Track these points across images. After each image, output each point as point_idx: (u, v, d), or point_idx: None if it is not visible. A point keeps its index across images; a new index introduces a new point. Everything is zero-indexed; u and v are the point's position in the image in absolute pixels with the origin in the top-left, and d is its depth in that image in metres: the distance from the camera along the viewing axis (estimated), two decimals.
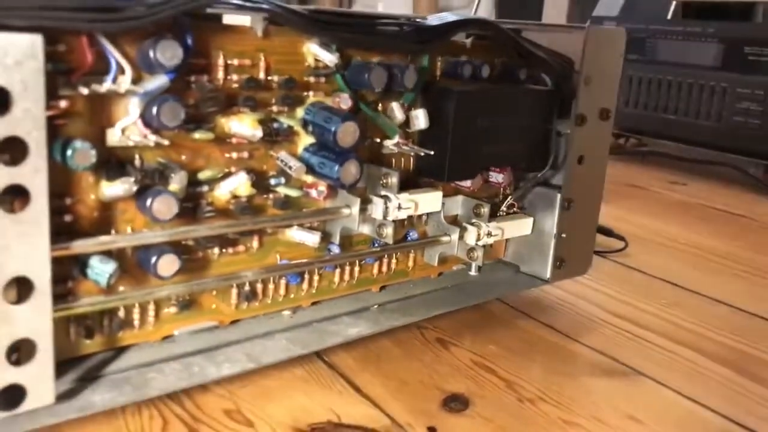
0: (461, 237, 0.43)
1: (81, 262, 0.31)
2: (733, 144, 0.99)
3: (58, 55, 0.28)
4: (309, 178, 0.37)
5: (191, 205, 0.33)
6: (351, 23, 0.36)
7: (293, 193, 0.37)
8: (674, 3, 1.31)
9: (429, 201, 0.41)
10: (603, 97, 0.46)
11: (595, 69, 0.45)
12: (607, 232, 0.64)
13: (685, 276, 0.59)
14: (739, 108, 0.97)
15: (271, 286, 0.38)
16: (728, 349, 0.46)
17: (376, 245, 0.42)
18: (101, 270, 0.30)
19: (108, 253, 0.31)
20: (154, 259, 0.31)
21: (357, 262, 0.42)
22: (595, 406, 0.38)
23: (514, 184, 0.47)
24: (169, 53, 0.29)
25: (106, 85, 0.29)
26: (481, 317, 0.47)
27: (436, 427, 0.34)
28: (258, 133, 0.34)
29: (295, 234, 0.38)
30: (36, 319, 0.27)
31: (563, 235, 0.46)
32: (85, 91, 0.29)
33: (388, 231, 0.39)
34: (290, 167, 0.36)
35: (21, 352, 0.27)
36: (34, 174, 0.26)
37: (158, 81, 0.30)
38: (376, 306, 0.42)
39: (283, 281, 0.39)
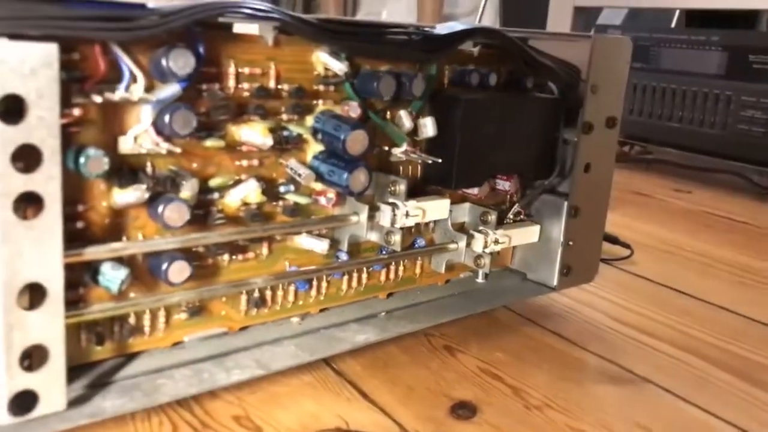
0: (468, 244, 0.43)
1: (92, 268, 0.31)
2: (738, 152, 0.99)
3: (73, 64, 0.29)
4: (318, 186, 0.37)
5: (202, 213, 0.34)
6: (360, 32, 0.36)
7: (302, 200, 0.37)
8: (678, 11, 1.31)
9: (436, 208, 0.41)
10: (609, 105, 0.46)
11: (602, 77, 0.45)
12: (613, 239, 0.64)
13: (691, 283, 0.59)
14: (744, 116, 0.97)
15: (279, 292, 0.38)
16: (734, 357, 0.46)
17: (384, 252, 0.42)
18: (113, 276, 0.31)
19: (119, 260, 0.31)
20: (165, 265, 0.32)
21: (365, 269, 0.42)
22: (602, 413, 0.38)
23: (520, 191, 0.47)
24: (181, 62, 0.30)
25: (119, 94, 0.29)
26: (488, 324, 0.47)
27: None
28: (268, 141, 0.34)
29: (304, 241, 0.38)
30: (48, 325, 0.28)
31: (570, 243, 0.47)
32: (98, 99, 0.29)
33: (396, 238, 0.39)
34: (300, 175, 0.36)
35: (33, 358, 0.28)
36: (47, 181, 0.27)
37: (170, 89, 0.30)
38: (383, 313, 0.42)
39: (291, 288, 0.39)
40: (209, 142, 0.33)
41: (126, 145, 0.31)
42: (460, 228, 0.44)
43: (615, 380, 0.42)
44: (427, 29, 0.39)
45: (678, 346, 0.47)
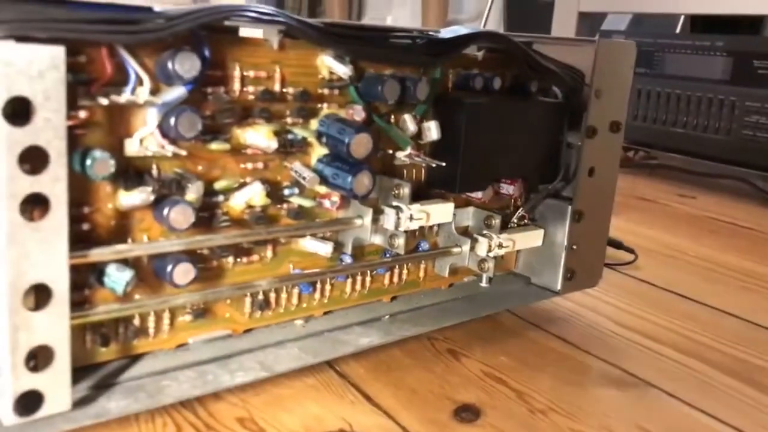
0: (472, 248, 0.43)
1: (98, 270, 0.31)
2: (742, 157, 0.99)
3: (79, 67, 0.29)
4: (322, 189, 0.37)
5: (207, 215, 0.34)
6: (365, 36, 0.36)
7: (307, 203, 0.37)
8: (682, 17, 1.31)
9: (440, 212, 0.41)
10: (613, 109, 0.46)
11: (606, 82, 0.45)
12: (617, 244, 0.64)
13: (695, 288, 0.59)
14: (748, 122, 0.97)
15: (284, 295, 0.39)
16: (737, 361, 0.46)
17: (388, 256, 0.42)
18: (118, 278, 0.31)
19: (125, 262, 0.31)
20: (170, 267, 0.32)
21: (369, 272, 0.42)
22: (606, 417, 0.38)
23: (524, 195, 0.48)
24: (187, 65, 0.30)
25: (125, 96, 0.30)
26: (491, 328, 0.47)
27: None
28: (273, 144, 0.34)
29: (308, 244, 0.38)
30: (54, 326, 0.28)
31: (574, 247, 0.47)
32: (104, 101, 0.29)
33: (400, 241, 0.39)
34: (304, 178, 0.36)
35: (39, 358, 0.28)
36: (54, 183, 0.27)
37: (176, 92, 0.31)
38: (387, 316, 0.42)
39: (295, 291, 0.39)
40: (214, 145, 0.33)
41: (132, 147, 0.31)
42: (464, 232, 0.44)
43: (619, 384, 0.42)
44: (431, 33, 0.39)
45: (682, 351, 0.46)
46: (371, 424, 0.35)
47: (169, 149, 0.31)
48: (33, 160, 0.26)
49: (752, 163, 0.98)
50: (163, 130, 0.31)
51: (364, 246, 0.41)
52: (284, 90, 0.35)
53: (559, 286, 0.47)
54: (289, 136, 0.36)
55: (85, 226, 0.31)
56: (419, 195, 0.41)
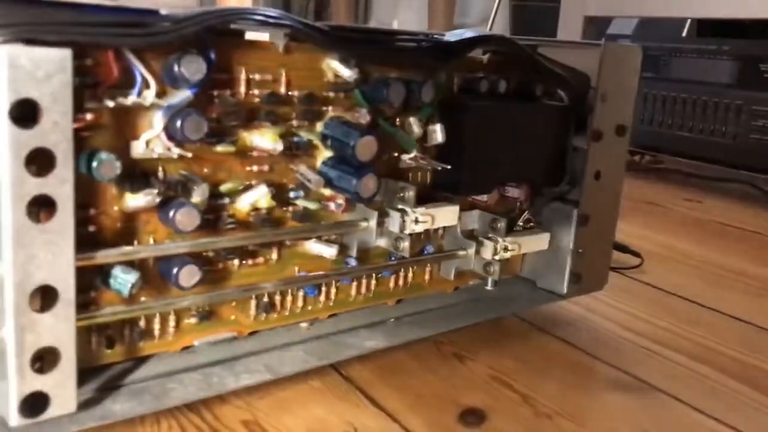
0: (478, 251, 0.43)
1: (104, 272, 0.31)
2: (749, 161, 0.98)
3: (86, 69, 0.29)
4: (327, 192, 0.37)
5: (212, 217, 0.34)
6: (371, 39, 0.36)
7: (312, 205, 0.37)
8: (689, 21, 1.31)
9: (445, 215, 0.41)
10: (619, 113, 0.46)
11: (612, 85, 0.45)
12: (623, 248, 0.64)
13: (701, 292, 0.59)
14: (755, 125, 0.96)
15: (289, 298, 0.39)
16: (745, 366, 0.46)
17: (393, 259, 0.42)
18: (124, 280, 0.31)
19: (130, 264, 0.31)
20: (175, 269, 0.32)
21: (374, 275, 0.42)
22: (612, 422, 0.38)
23: (530, 198, 0.47)
24: (193, 68, 0.30)
25: (132, 99, 0.30)
26: (497, 332, 0.47)
27: None
28: (278, 146, 0.34)
29: (314, 246, 0.38)
30: (60, 328, 0.28)
31: (580, 251, 0.47)
32: (110, 104, 0.29)
33: (405, 245, 0.39)
34: (309, 180, 0.36)
35: (45, 360, 0.28)
36: (60, 185, 0.27)
37: (182, 95, 0.31)
38: (392, 319, 0.42)
39: (301, 293, 0.39)
40: (220, 148, 0.33)
41: (138, 149, 0.31)
42: (470, 235, 0.44)
43: (624, 388, 0.41)
44: (437, 36, 0.39)
45: (688, 355, 0.46)
46: (376, 427, 0.35)
47: (175, 151, 0.31)
48: (40, 162, 0.26)
49: (759, 167, 0.98)
50: (169, 132, 0.31)
51: (370, 249, 0.41)
52: (290, 93, 0.36)
53: (564, 290, 0.47)
54: (295, 139, 0.36)
55: (92, 228, 0.31)
56: (424, 198, 0.41)
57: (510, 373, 0.41)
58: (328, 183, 0.37)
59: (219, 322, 0.36)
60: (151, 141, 0.31)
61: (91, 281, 0.31)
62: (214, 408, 0.35)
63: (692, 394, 0.41)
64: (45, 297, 0.27)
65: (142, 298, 0.33)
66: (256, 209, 0.35)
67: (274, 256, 0.37)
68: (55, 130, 0.26)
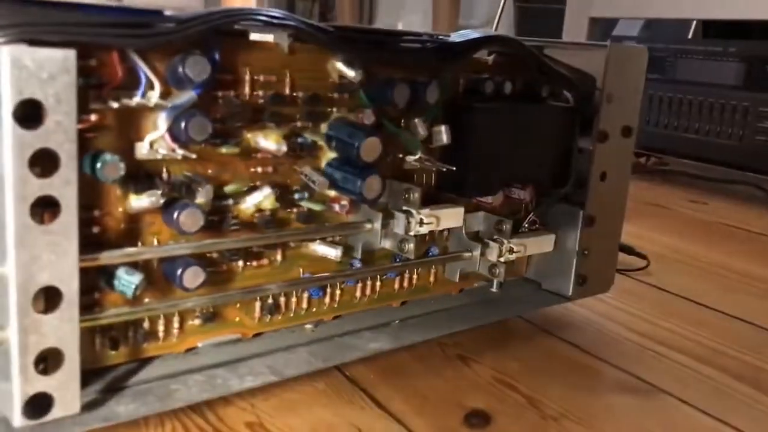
0: (483, 253, 0.43)
1: (107, 273, 0.31)
2: (755, 163, 0.98)
3: (90, 70, 0.29)
4: (332, 193, 0.37)
5: (217, 218, 0.34)
6: (375, 40, 0.36)
7: (316, 207, 0.37)
8: (694, 22, 1.31)
9: (450, 216, 0.41)
10: (625, 114, 0.46)
11: (618, 86, 0.45)
12: (629, 250, 0.64)
13: (707, 294, 0.58)
14: (761, 127, 0.96)
15: (293, 299, 0.38)
16: (751, 368, 0.45)
17: (398, 260, 0.42)
18: (128, 281, 0.31)
19: (134, 265, 0.31)
20: (179, 271, 0.32)
21: (378, 276, 0.42)
22: (618, 424, 0.37)
23: (536, 200, 0.47)
24: (197, 69, 0.30)
25: (136, 100, 0.30)
26: (502, 334, 0.47)
27: None
28: (283, 147, 0.34)
29: (318, 248, 0.38)
30: (64, 329, 0.28)
31: (585, 253, 0.46)
32: (115, 105, 0.29)
33: (410, 246, 0.39)
34: (314, 182, 0.36)
35: (48, 361, 0.28)
36: (64, 186, 0.27)
37: (186, 96, 0.31)
38: (397, 321, 0.42)
39: (305, 295, 0.39)
40: (224, 149, 0.33)
41: (142, 150, 0.31)
42: (475, 237, 0.44)
43: (631, 391, 0.41)
44: (442, 37, 0.39)
45: (695, 357, 0.46)
46: (381, 429, 0.35)
47: (179, 152, 0.31)
48: (43, 162, 0.26)
49: (765, 168, 0.97)
50: (174, 133, 0.31)
51: (374, 250, 0.41)
52: (294, 94, 0.35)
53: (570, 292, 0.47)
54: (299, 140, 0.36)
55: (95, 229, 0.31)
56: (429, 199, 0.41)
57: (515, 375, 0.41)
58: (333, 184, 0.36)
59: (223, 324, 0.36)
60: (155, 142, 0.31)
61: (94, 282, 0.31)
62: (218, 410, 0.35)
63: (698, 396, 0.41)
64: (49, 298, 0.27)
65: (146, 300, 0.33)
66: (260, 210, 0.35)
67: (279, 257, 0.37)
68: (59, 131, 0.26)
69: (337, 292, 0.40)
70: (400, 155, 0.40)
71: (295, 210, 0.37)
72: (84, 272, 0.28)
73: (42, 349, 0.27)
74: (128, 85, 0.30)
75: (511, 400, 0.39)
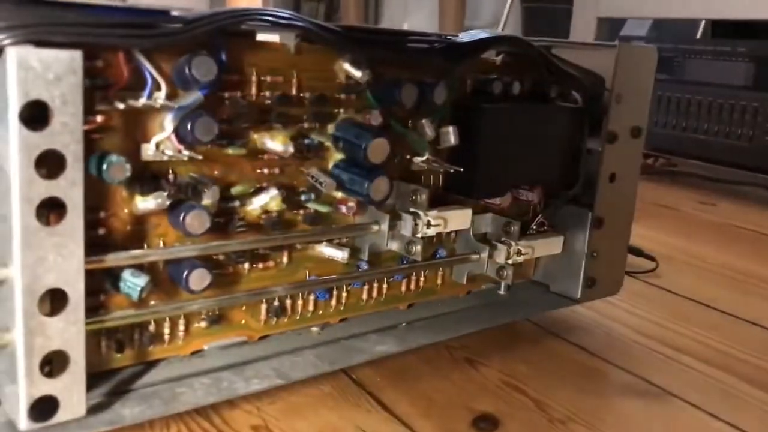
0: (490, 255, 0.43)
1: (113, 275, 0.31)
2: (764, 164, 0.97)
3: (96, 71, 0.29)
4: (339, 194, 0.37)
5: (223, 220, 0.34)
6: (382, 40, 0.36)
7: (323, 208, 0.37)
8: (703, 22, 1.30)
9: (458, 218, 0.40)
10: (634, 114, 0.46)
11: (627, 87, 0.44)
12: (638, 252, 0.63)
13: (717, 297, 0.58)
14: None
15: (299, 301, 0.38)
16: (762, 371, 0.45)
17: (405, 262, 0.41)
18: (133, 283, 0.30)
19: (140, 267, 0.31)
20: (185, 273, 0.31)
21: (385, 279, 0.42)
22: (626, 428, 0.37)
23: (544, 201, 0.47)
24: (203, 69, 0.30)
25: (142, 101, 0.30)
26: (510, 336, 0.46)
27: None
28: (289, 149, 0.34)
29: (325, 250, 0.38)
30: (69, 332, 0.28)
31: (594, 255, 0.46)
32: (121, 106, 0.29)
33: (417, 248, 0.39)
34: (321, 183, 0.36)
35: (54, 364, 0.28)
36: (70, 187, 0.27)
37: (193, 97, 0.30)
38: (404, 324, 0.42)
39: (311, 297, 0.39)
40: (231, 150, 0.33)
41: (148, 151, 0.31)
42: (483, 238, 0.44)
43: (640, 394, 0.41)
44: (450, 37, 0.39)
45: (704, 361, 0.46)
46: None
47: (186, 154, 0.31)
48: (49, 164, 0.26)
49: None
50: (180, 134, 0.30)
51: (381, 252, 0.40)
52: (301, 94, 0.35)
53: (578, 294, 0.47)
54: (306, 141, 0.35)
55: (101, 231, 0.30)
56: (437, 201, 0.41)
57: (523, 378, 0.41)
58: (340, 185, 0.36)
59: (229, 326, 0.36)
60: (161, 143, 0.31)
61: (100, 284, 0.31)
62: (224, 413, 0.35)
63: (707, 399, 0.40)
64: (54, 300, 0.27)
65: (152, 302, 0.32)
66: (266, 212, 0.35)
67: (285, 259, 0.37)
68: (65, 132, 0.26)
69: (344, 294, 0.40)
70: (408, 156, 0.40)
71: (301, 211, 0.37)
72: (90, 274, 0.28)
73: (47, 351, 0.27)
74: (134, 86, 0.30)
75: (519, 403, 0.38)
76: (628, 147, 0.46)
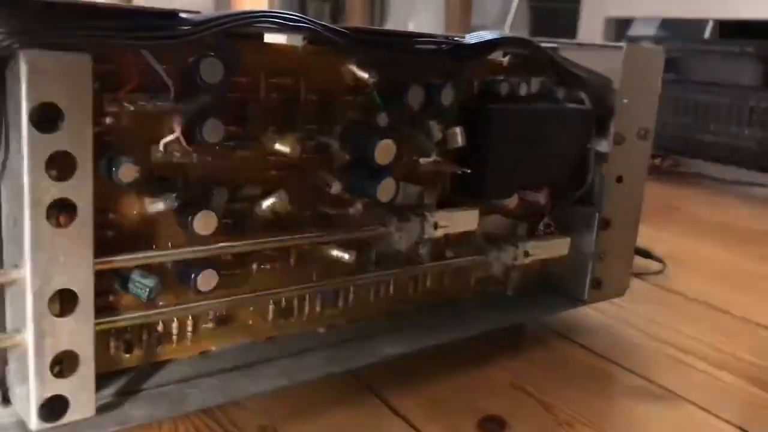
0: (498, 256, 0.43)
1: (122, 276, 0.31)
2: None
3: (105, 73, 0.29)
4: (346, 196, 0.37)
5: (231, 221, 0.34)
6: (390, 42, 0.36)
7: (330, 210, 0.37)
8: (711, 22, 1.29)
9: (465, 219, 0.40)
10: (642, 116, 0.46)
11: (634, 88, 0.44)
12: (645, 253, 0.63)
13: (726, 299, 0.58)
14: None
15: (307, 303, 0.38)
16: None
17: (412, 264, 0.41)
18: (142, 284, 0.31)
19: (149, 268, 0.31)
20: (194, 274, 0.32)
21: (392, 280, 0.42)
22: (633, 430, 0.37)
23: (551, 203, 0.47)
24: (211, 71, 0.30)
25: (151, 102, 0.30)
26: (516, 338, 0.46)
27: None
28: (297, 150, 0.34)
29: (332, 251, 0.38)
30: (79, 332, 0.28)
31: (601, 256, 0.46)
32: (130, 107, 0.29)
33: (424, 249, 0.39)
34: (328, 185, 0.36)
35: (64, 364, 0.28)
36: (80, 188, 0.27)
37: (201, 98, 0.31)
38: (411, 325, 0.42)
39: (319, 298, 0.39)
40: (239, 152, 0.33)
41: (157, 153, 0.31)
42: (490, 240, 0.44)
43: (647, 396, 0.41)
44: (457, 38, 0.39)
45: (713, 363, 0.45)
46: None
47: (194, 155, 0.31)
48: (60, 165, 0.26)
49: None
50: (188, 135, 0.31)
51: (388, 253, 0.40)
52: (308, 96, 0.35)
53: (585, 296, 0.47)
54: (313, 143, 0.36)
55: (111, 232, 0.31)
56: (444, 202, 0.41)
57: (530, 380, 0.41)
58: (347, 187, 0.36)
59: (237, 328, 0.36)
60: (170, 145, 0.31)
61: (109, 285, 0.31)
62: (231, 413, 0.35)
63: (716, 402, 0.40)
64: (64, 301, 0.27)
65: (161, 303, 0.33)
66: (274, 213, 0.35)
67: (293, 260, 0.37)
68: (75, 134, 0.26)
69: (351, 295, 0.40)
70: (415, 158, 0.40)
71: (309, 213, 0.37)
72: (99, 275, 0.28)
73: (58, 351, 0.27)
74: (143, 87, 0.30)
75: (526, 404, 0.38)
76: (635, 148, 0.46)
